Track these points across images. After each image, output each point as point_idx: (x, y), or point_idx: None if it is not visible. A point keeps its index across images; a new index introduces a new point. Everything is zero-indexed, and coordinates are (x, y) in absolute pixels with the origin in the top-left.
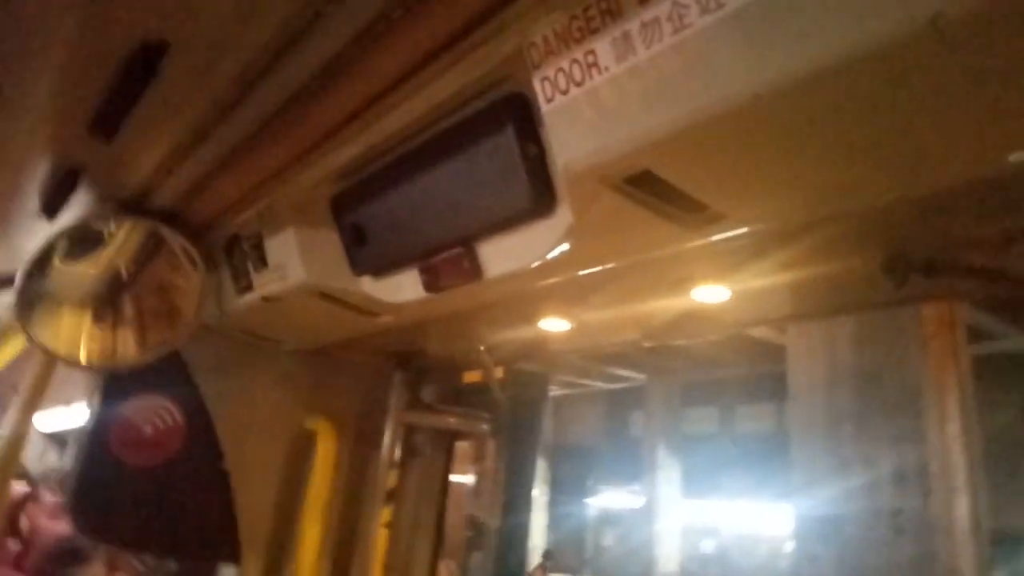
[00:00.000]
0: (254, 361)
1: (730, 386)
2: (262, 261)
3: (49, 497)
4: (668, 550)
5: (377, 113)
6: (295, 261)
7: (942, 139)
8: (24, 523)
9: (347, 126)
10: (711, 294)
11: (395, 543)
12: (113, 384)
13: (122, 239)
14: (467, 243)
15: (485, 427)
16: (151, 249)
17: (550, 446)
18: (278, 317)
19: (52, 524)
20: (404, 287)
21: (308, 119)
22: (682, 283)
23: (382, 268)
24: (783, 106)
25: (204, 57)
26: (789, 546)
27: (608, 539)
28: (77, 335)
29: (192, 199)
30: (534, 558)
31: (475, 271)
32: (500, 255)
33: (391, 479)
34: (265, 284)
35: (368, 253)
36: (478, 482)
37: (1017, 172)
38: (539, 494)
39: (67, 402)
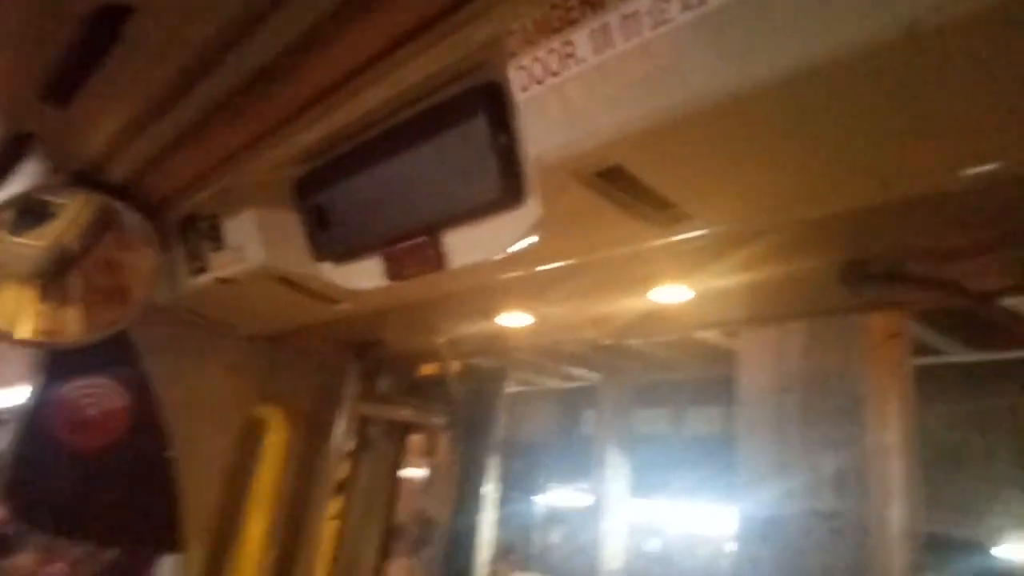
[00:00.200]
0: (206, 345)
1: (681, 388)
2: (219, 242)
3: None
4: (614, 548)
5: (346, 94)
6: (254, 243)
7: (905, 149)
8: None
9: (314, 106)
10: (672, 294)
11: (343, 536)
12: (57, 363)
13: (72, 213)
14: (432, 231)
15: (440, 420)
16: (103, 224)
17: (502, 442)
18: (233, 301)
19: None
20: (366, 274)
21: (274, 97)
22: (644, 282)
23: (344, 254)
24: (759, 107)
25: (169, 25)
26: (732, 546)
27: (556, 537)
28: (20, 311)
29: (148, 174)
30: (484, 555)
31: (439, 260)
32: (465, 245)
33: (342, 471)
34: (221, 266)
35: (330, 238)
36: (430, 476)
37: (970, 187)
38: (489, 490)
39: (7, 381)
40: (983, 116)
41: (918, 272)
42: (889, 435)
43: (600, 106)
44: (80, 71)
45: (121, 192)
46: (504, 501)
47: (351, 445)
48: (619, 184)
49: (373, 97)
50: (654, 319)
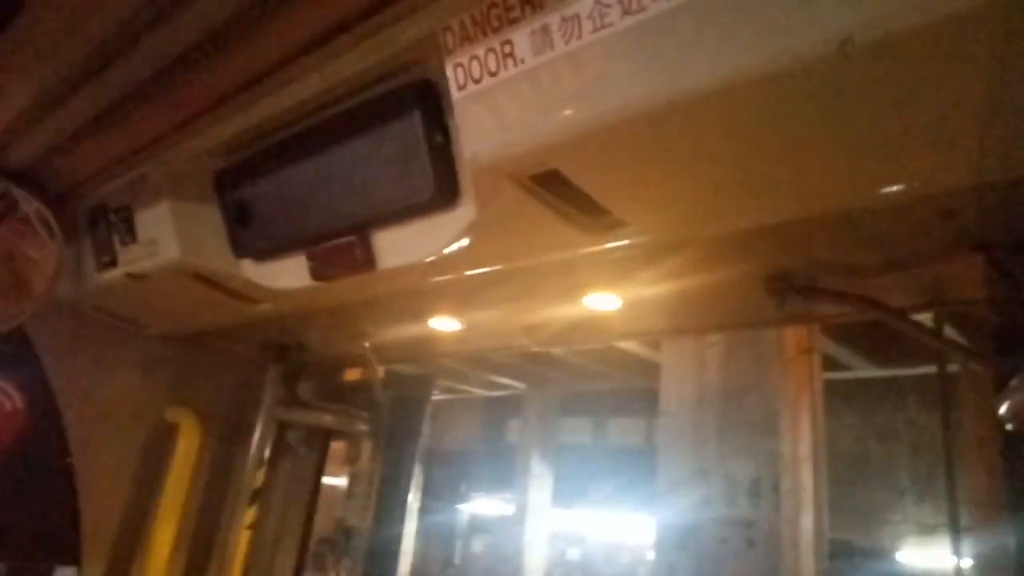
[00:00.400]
0: (112, 344)
1: (605, 399)
2: (131, 235)
3: None
4: (536, 557)
5: (272, 85)
6: (169, 237)
7: (829, 165)
8: None
9: (238, 95)
10: (602, 302)
11: (257, 546)
12: None
13: None
14: (361, 231)
15: (363, 427)
16: (0, 212)
17: (425, 451)
18: (144, 298)
19: None
20: (289, 273)
21: (195, 83)
22: (575, 289)
23: (266, 251)
24: (693, 116)
25: None
26: (650, 554)
27: (478, 546)
28: None
29: (54, 159)
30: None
31: (368, 261)
32: (396, 246)
33: (258, 478)
34: (132, 260)
35: (252, 234)
36: (351, 485)
37: (887, 205)
38: (411, 499)
39: None
40: (903, 137)
41: (837, 286)
42: (801, 446)
43: (538, 108)
44: None
45: (22, 177)
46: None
47: (269, 452)
48: (555, 189)
49: (302, 89)
50: (583, 327)
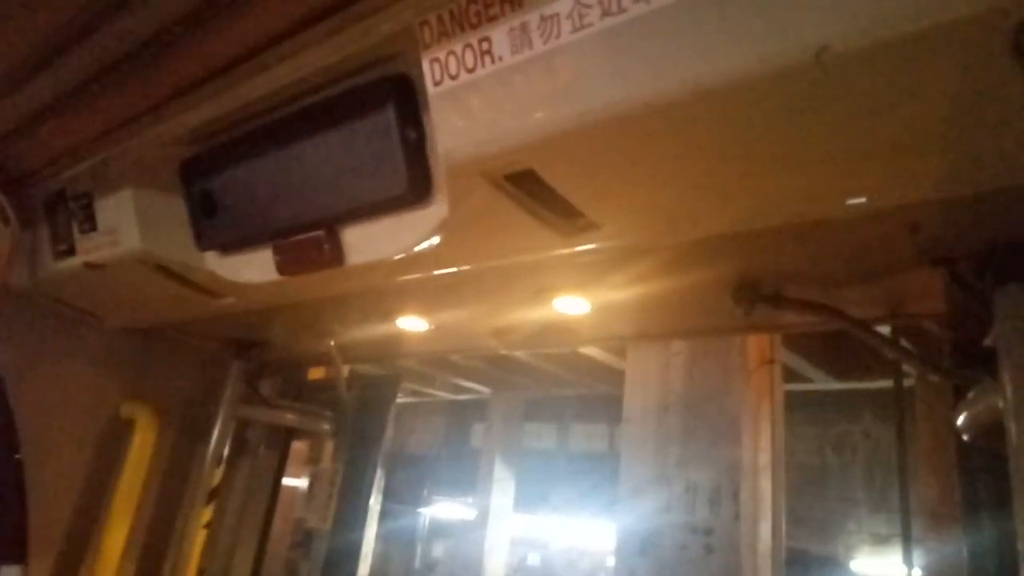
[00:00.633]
0: (67, 336)
1: (569, 404)
2: (90, 223)
3: None
4: (496, 562)
5: (242, 73)
6: (130, 226)
7: (798, 174)
8: None
9: (207, 83)
10: (571, 305)
11: (214, 545)
12: None
13: None
14: (330, 226)
15: (326, 427)
16: None
17: (388, 453)
18: (102, 288)
19: None
20: (254, 267)
21: (161, 68)
22: (544, 292)
23: (231, 244)
24: (669, 118)
25: None
26: (611, 560)
27: (438, 550)
28: None
29: (10, 144)
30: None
31: (336, 256)
32: (366, 242)
33: (216, 476)
34: (91, 249)
35: (217, 226)
36: (312, 485)
37: (854, 216)
38: (373, 502)
39: None
40: (871, 148)
41: (803, 296)
42: (761, 455)
43: (515, 107)
44: None
45: None
46: (388, 513)
47: (228, 450)
48: (529, 189)
49: (274, 79)
50: (551, 330)
